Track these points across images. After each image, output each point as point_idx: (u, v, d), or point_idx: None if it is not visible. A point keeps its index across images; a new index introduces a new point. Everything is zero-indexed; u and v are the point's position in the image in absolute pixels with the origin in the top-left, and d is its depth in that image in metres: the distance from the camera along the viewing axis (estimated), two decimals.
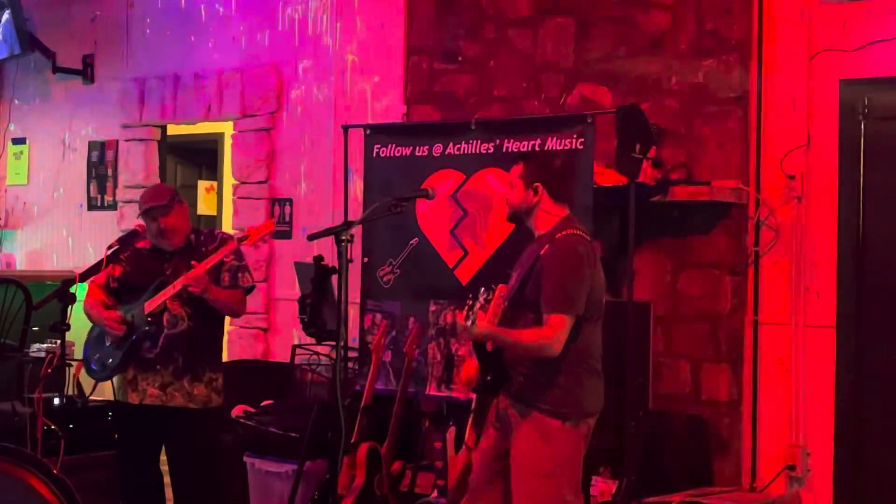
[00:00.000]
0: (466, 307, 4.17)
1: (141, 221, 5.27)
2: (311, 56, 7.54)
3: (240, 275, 5.13)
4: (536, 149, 5.34)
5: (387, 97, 7.12)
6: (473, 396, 4.90)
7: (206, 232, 5.35)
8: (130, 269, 5.14)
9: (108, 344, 5.09)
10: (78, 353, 6.62)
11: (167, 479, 5.26)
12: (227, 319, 5.72)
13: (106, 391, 5.83)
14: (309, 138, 7.54)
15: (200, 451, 5.13)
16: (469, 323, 4.12)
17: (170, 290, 4.96)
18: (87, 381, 5.95)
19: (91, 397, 6.34)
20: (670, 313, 5.80)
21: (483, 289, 4.19)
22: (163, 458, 5.26)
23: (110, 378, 5.18)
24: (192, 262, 4.96)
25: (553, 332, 4.18)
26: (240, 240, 5.01)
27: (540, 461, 4.26)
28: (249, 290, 5.20)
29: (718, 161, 5.72)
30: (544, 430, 4.26)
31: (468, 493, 4.55)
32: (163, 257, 5.11)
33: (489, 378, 4.31)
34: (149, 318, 4.99)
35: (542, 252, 4.29)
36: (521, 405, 4.31)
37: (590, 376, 4.35)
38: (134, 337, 5.02)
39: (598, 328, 4.40)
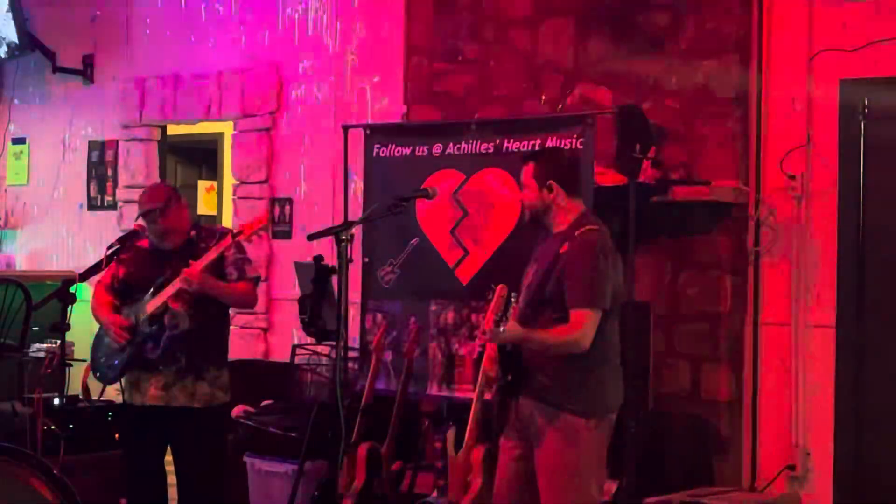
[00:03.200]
0: (491, 312, 4.18)
1: (141, 221, 5.26)
2: (311, 56, 7.54)
3: (246, 267, 5.12)
4: (537, 148, 5.33)
5: (387, 97, 7.12)
6: (474, 397, 4.91)
7: (207, 228, 5.34)
8: (133, 270, 5.14)
9: (113, 347, 5.08)
10: (78, 353, 6.64)
11: (171, 479, 5.25)
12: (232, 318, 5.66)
13: (111, 393, 5.84)
14: (309, 138, 7.54)
15: (205, 449, 5.11)
16: (501, 328, 4.08)
17: (169, 291, 4.95)
18: (95, 385, 5.94)
19: (94, 398, 6.34)
20: (670, 313, 5.80)
21: (513, 294, 4.17)
22: (168, 457, 5.25)
23: (118, 380, 5.16)
24: (191, 262, 4.95)
25: (581, 328, 4.17)
26: (234, 235, 5.00)
27: (568, 461, 4.26)
28: (257, 280, 5.20)
29: (718, 161, 5.72)
30: (571, 429, 4.26)
31: (496, 494, 4.51)
32: (164, 256, 5.10)
33: (510, 378, 4.30)
34: (151, 320, 4.98)
35: (562, 250, 4.27)
36: (546, 406, 4.28)
37: (612, 372, 4.36)
38: (137, 339, 5.01)
39: (617, 323, 4.40)
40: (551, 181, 4.35)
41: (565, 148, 5.25)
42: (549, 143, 5.34)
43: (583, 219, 4.36)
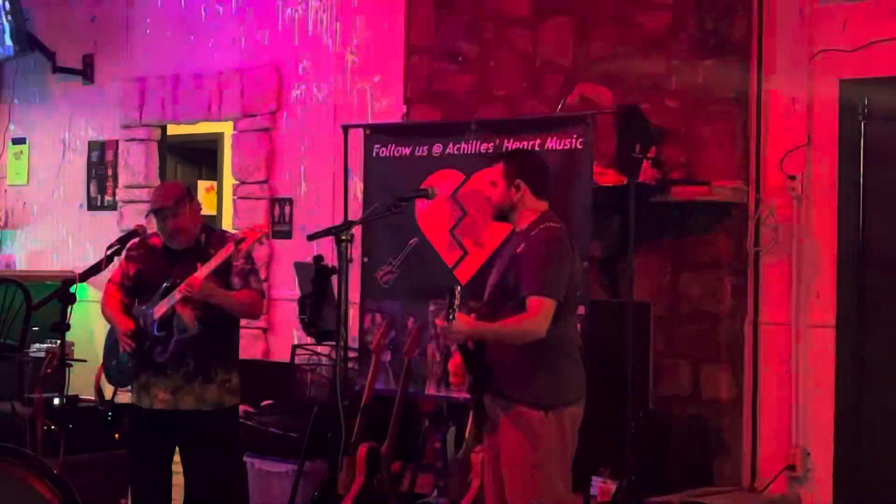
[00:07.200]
0: (446, 309, 4.23)
1: (141, 221, 5.24)
2: (311, 56, 7.54)
3: (251, 278, 5.07)
4: (537, 148, 5.34)
5: (387, 97, 7.12)
6: (469, 396, 4.91)
7: (218, 232, 5.26)
8: (143, 268, 5.10)
9: (123, 350, 5.06)
10: (78, 353, 6.64)
11: (176, 479, 5.23)
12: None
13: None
14: (309, 138, 7.54)
15: (214, 452, 5.07)
16: (449, 323, 4.16)
17: (176, 296, 4.90)
18: (108, 387, 5.93)
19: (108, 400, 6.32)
20: (670, 313, 5.80)
21: (459, 288, 4.24)
22: (175, 458, 5.23)
23: (129, 384, 5.14)
24: (198, 265, 4.91)
25: (536, 315, 4.23)
26: (236, 242, 4.94)
27: (526, 454, 4.29)
28: (262, 293, 5.15)
29: (718, 161, 5.72)
30: (526, 422, 4.29)
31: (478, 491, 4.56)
32: (174, 256, 5.05)
33: (478, 376, 4.34)
34: (159, 324, 4.94)
35: (519, 249, 4.37)
36: (501, 399, 4.34)
37: (569, 366, 4.39)
38: (146, 343, 4.98)
39: (574, 319, 4.48)
40: (519, 180, 4.44)
41: (543, 149, 5.27)
42: (548, 144, 5.35)
43: (543, 218, 4.44)
